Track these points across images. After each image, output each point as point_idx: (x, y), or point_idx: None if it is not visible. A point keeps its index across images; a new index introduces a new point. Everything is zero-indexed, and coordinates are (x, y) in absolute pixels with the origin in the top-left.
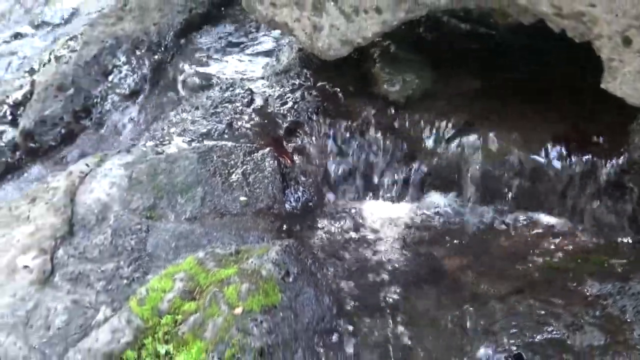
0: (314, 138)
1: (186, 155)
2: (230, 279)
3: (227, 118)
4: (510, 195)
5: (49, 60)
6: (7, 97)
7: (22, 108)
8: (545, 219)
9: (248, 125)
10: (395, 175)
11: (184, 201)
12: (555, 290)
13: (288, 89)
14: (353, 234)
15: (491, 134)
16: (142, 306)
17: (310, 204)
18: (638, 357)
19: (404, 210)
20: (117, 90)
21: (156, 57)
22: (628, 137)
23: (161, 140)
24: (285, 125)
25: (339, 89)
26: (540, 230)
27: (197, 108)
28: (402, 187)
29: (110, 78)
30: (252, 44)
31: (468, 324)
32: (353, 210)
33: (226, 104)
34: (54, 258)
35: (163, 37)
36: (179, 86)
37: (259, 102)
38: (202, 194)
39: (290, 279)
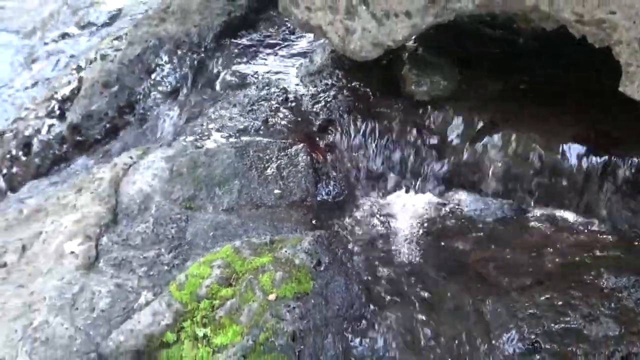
0: (345, 135)
1: (224, 149)
2: (265, 267)
3: (263, 115)
4: (530, 192)
5: (95, 59)
6: (56, 93)
7: (69, 103)
8: (564, 215)
9: (283, 123)
10: (422, 171)
11: (221, 193)
12: (573, 283)
13: (321, 89)
14: (381, 227)
15: (513, 134)
16: (182, 291)
17: (341, 197)
18: None
19: (430, 205)
20: (159, 88)
21: (196, 57)
22: None
23: (200, 135)
24: (317, 122)
25: (369, 89)
26: (558, 226)
27: (234, 105)
28: (428, 183)
29: (152, 76)
30: (286, 45)
31: (489, 313)
32: (381, 204)
33: (262, 102)
34: (99, 244)
35: (203, 39)
36: (218, 85)
37: (293, 100)
38: (239, 186)
39: (322, 268)
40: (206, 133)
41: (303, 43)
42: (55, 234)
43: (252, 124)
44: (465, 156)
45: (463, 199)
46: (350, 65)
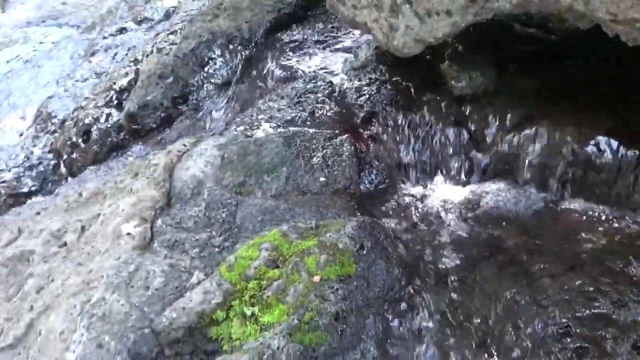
0: (387, 127)
1: (273, 139)
2: (311, 250)
3: (310, 107)
4: (563, 183)
5: (152, 52)
6: (114, 83)
7: (126, 93)
8: (596, 206)
9: (328, 114)
10: (460, 162)
11: (270, 180)
12: (603, 271)
13: (365, 83)
14: (420, 213)
15: (547, 128)
16: (231, 272)
17: (383, 185)
18: None
19: (467, 194)
20: (212, 80)
21: (247, 51)
22: None
23: (250, 125)
24: (361, 114)
25: (410, 84)
26: (590, 216)
27: (282, 98)
28: (466, 173)
29: (205, 69)
30: (333, 41)
31: (522, 298)
32: (421, 192)
33: (309, 95)
34: (154, 227)
35: (254, 34)
36: (267, 78)
37: (338, 93)
38: (286, 173)
39: (364, 252)
40: (256, 123)
41: (348, 39)
42: (112, 215)
43: (299, 115)
44: (501, 148)
45: (499, 188)
46: (392, 60)
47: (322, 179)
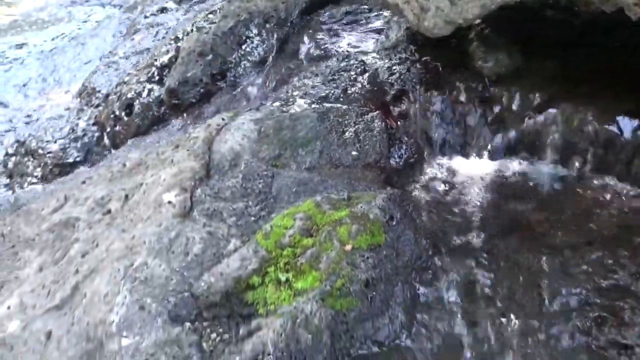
0: (416, 104)
1: (307, 114)
2: (343, 220)
3: (343, 85)
4: (584, 161)
5: (192, 30)
6: (156, 60)
7: (167, 70)
8: (615, 183)
9: (360, 92)
10: (485, 139)
11: (304, 153)
12: (622, 244)
13: (395, 62)
14: (447, 187)
15: (570, 108)
16: (267, 240)
17: (412, 160)
18: None
19: (492, 169)
20: (249, 58)
21: (283, 30)
22: None
23: (286, 101)
24: (392, 92)
25: (439, 64)
26: (609, 192)
27: (316, 75)
28: (491, 149)
29: (243, 47)
30: (365, 22)
31: (544, 269)
32: (448, 167)
33: (342, 73)
34: (193, 196)
35: (289, 14)
36: (302, 56)
37: (370, 72)
38: (320, 147)
39: (394, 223)
40: (291, 99)
41: (379, 20)
42: (154, 185)
43: (332, 92)
44: (525, 127)
45: (523, 166)
46: (422, 41)
47: (353, 153)
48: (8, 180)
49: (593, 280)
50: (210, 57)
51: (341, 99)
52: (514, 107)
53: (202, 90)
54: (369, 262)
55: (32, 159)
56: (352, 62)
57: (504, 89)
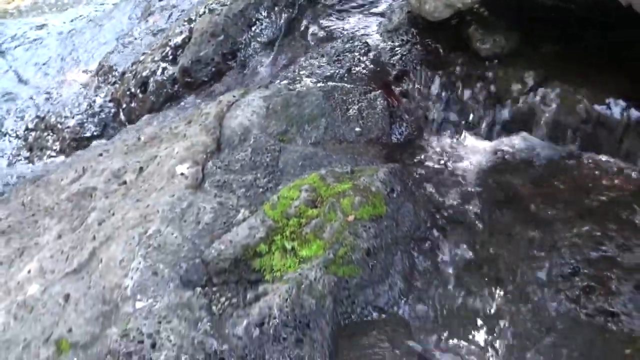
0: (417, 84)
1: (313, 92)
2: (346, 192)
3: (347, 65)
4: (576, 138)
5: (204, 12)
6: (170, 40)
7: (181, 50)
8: (605, 159)
9: (364, 71)
10: (482, 117)
11: (310, 129)
12: (610, 218)
13: (397, 44)
14: (445, 163)
15: (564, 88)
16: (274, 210)
17: (412, 137)
18: None
19: (488, 146)
20: (258, 39)
21: (290, 13)
22: None
23: (293, 79)
24: (394, 72)
25: (439, 46)
26: (600, 169)
27: (322, 56)
28: (488, 127)
29: (253, 28)
30: (369, 6)
31: (537, 241)
32: (446, 144)
33: (346, 54)
34: (205, 168)
35: None
36: (308, 38)
37: (373, 53)
38: (325, 124)
39: (394, 195)
40: (298, 78)
41: (383, 4)
42: (168, 158)
43: (337, 71)
44: (520, 106)
45: (517, 142)
46: (423, 24)
47: (357, 129)
48: (28, 154)
49: (582, 252)
50: (221, 37)
51: (345, 79)
52: (510, 87)
53: (213, 69)
54: (370, 232)
55: (51, 134)
56: (356, 43)
57: (501, 70)
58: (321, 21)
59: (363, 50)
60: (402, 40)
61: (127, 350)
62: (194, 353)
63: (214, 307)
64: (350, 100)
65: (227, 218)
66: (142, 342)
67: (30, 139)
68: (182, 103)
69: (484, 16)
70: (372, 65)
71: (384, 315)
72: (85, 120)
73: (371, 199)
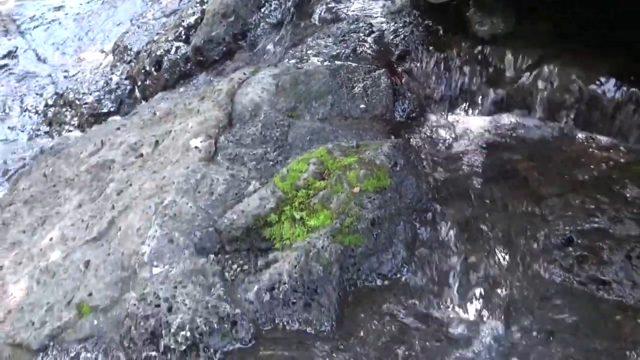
0: (419, 64)
1: (320, 70)
2: (352, 165)
3: (352, 45)
4: (570, 116)
5: None
6: (183, 21)
7: (193, 30)
8: (598, 137)
9: (368, 51)
10: (481, 95)
11: (317, 105)
12: (603, 191)
13: (400, 25)
14: (445, 139)
15: (558, 68)
16: (283, 182)
17: (414, 114)
18: None
19: (486, 123)
20: (267, 20)
21: None
22: None
23: (301, 59)
24: (397, 52)
25: (440, 27)
26: (593, 145)
27: (328, 36)
28: (485, 105)
29: (262, 10)
30: None
31: (532, 212)
32: (446, 121)
33: (352, 34)
34: (217, 142)
35: None
36: (315, 19)
37: (377, 34)
38: (331, 101)
39: (398, 168)
40: (305, 57)
41: None
42: (182, 132)
43: (343, 51)
44: (517, 85)
45: (514, 120)
46: (425, 6)
47: (362, 106)
48: (48, 128)
49: (576, 223)
50: (232, 18)
51: (351, 58)
52: (507, 67)
53: (224, 48)
54: (375, 203)
55: (69, 109)
56: (360, 24)
57: (499, 50)
58: (327, 3)
59: (367, 31)
60: (405, 21)
61: (144, 313)
62: (208, 316)
63: (226, 274)
64: (355, 78)
65: (238, 189)
66: (158, 305)
67: (50, 114)
68: (195, 81)
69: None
70: (376, 46)
71: (387, 282)
72: (102, 97)
73: (376, 172)
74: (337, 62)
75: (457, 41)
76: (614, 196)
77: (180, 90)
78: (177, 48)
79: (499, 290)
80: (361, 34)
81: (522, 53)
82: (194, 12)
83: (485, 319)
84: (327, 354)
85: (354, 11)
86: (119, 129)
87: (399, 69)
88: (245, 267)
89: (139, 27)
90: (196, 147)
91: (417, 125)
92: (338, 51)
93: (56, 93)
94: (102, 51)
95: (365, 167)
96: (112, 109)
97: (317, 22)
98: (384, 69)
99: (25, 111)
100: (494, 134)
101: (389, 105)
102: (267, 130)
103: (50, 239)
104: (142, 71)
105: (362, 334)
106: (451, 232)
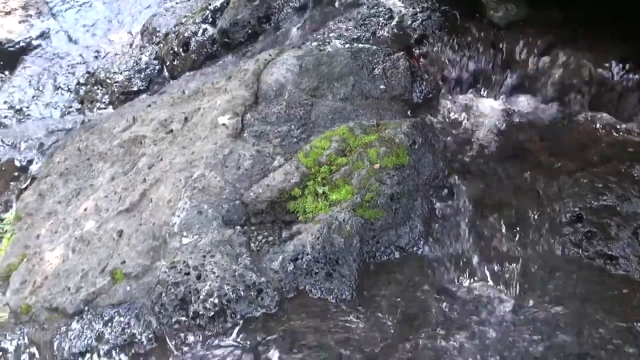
0: (436, 47)
1: (342, 53)
2: (372, 143)
3: (372, 28)
4: (581, 99)
5: None
6: (209, 4)
7: (219, 13)
8: (607, 119)
9: (387, 35)
10: (495, 78)
11: (339, 86)
12: (611, 171)
13: (418, 10)
14: (461, 119)
15: (570, 52)
16: (307, 158)
17: (431, 95)
18: None
19: (500, 105)
20: (291, 4)
21: None
22: None
23: (323, 41)
24: (415, 36)
25: (456, 13)
26: (601, 127)
27: (349, 20)
28: (499, 88)
29: None
30: None
31: (543, 190)
32: (462, 103)
33: (372, 18)
34: (244, 119)
35: None
36: (336, 4)
37: (396, 18)
38: (352, 81)
39: (416, 146)
40: (327, 40)
41: None
42: (210, 109)
43: (363, 34)
44: (529, 69)
45: (527, 102)
46: None
47: (381, 87)
48: (80, 105)
49: (585, 201)
50: (257, 2)
51: (371, 41)
52: (521, 51)
53: (249, 31)
54: (394, 179)
55: (100, 88)
56: (380, 9)
57: (513, 36)
58: None
59: (387, 16)
60: (423, 7)
61: (174, 280)
62: (235, 284)
63: (252, 244)
64: (375, 60)
65: (264, 164)
66: (188, 273)
67: (82, 92)
68: (221, 62)
69: None
70: (395, 29)
71: (405, 254)
72: (132, 76)
73: (395, 150)
74: (358, 45)
75: (473, 26)
76: (621, 175)
77: (207, 70)
78: (204, 30)
79: (511, 263)
80: (381, 19)
81: (535, 38)
82: None
83: (498, 289)
84: (347, 321)
85: None
86: (149, 106)
87: (417, 52)
88: (270, 238)
89: (166, 10)
90: (224, 124)
91: (433, 106)
92: (359, 34)
93: (87, 72)
94: (131, 33)
95: (385, 145)
96: (141, 88)
97: (338, 7)
98: (402, 52)
99: (58, 89)
100: (507, 115)
101: (407, 87)
102: (291, 109)
103: (85, 210)
104: (171, 52)
105: (380, 302)
106: (466, 208)
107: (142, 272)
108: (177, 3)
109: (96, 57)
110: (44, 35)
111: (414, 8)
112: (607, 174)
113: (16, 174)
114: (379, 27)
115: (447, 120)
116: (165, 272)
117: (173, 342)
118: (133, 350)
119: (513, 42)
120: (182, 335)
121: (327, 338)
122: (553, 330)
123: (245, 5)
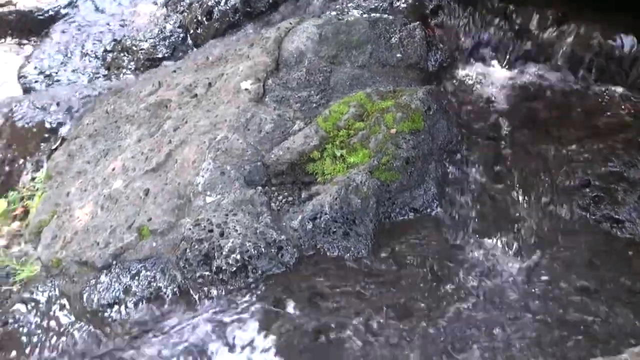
0: (451, 18)
1: (360, 22)
2: (389, 108)
3: None
4: (590, 69)
5: None
6: None
7: None
8: (615, 88)
9: (404, 5)
10: (507, 49)
11: (357, 54)
12: (618, 138)
13: None
14: (474, 88)
15: (579, 24)
16: (326, 122)
17: (445, 64)
18: None
19: (512, 75)
20: None
21: None
22: None
23: (342, 11)
24: (430, 7)
25: None
26: (610, 97)
27: None
28: (511, 58)
29: None
30: None
31: (553, 157)
32: (475, 71)
33: None
34: (265, 85)
35: None
36: None
37: None
38: (370, 50)
39: (431, 112)
40: (346, 10)
41: None
42: (233, 75)
43: (380, 5)
44: (540, 40)
45: (538, 72)
46: None
47: (398, 55)
48: (106, 72)
49: (593, 167)
50: None
51: (388, 11)
52: (532, 22)
53: (270, 0)
54: (409, 143)
55: (126, 54)
56: None
57: (524, 7)
58: None
59: None
60: None
61: (198, 237)
62: (257, 241)
63: (272, 204)
64: (392, 29)
65: (284, 128)
66: (211, 231)
67: (108, 59)
68: (242, 30)
69: None
70: (411, 0)
71: (419, 216)
72: (157, 44)
73: (411, 115)
74: (375, 15)
75: None
76: (628, 143)
77: (230, 39)
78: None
79: (521, 225)
80: None
81: (546, 10)
82: None
83: (508, 250)
84: (363, 277)
85: None
86: (174, 71)
87: (432, 22)
88: (290, 198)
89: None
90: (246, 89)
91: (448, 74)
92: (376, 4)
93: (114, 40)
94: (156, 3)
95: (402, 111)
96: (166, 55)
97: None
98: (418, 22)
99: (85, 56)
100: (519, 84)
101: (422, 55)
102: (311, 75)
103: (113, 169)
104: (194, 20)
105: (395, 260)
106: (478, 172)
107: (168, 229)
108: None
109: (122, 25)
110: (71, 4)
111: None
112: (615, 141)
113: (47, 135)
114: None
115: (461, 87)
116: (190, 229)
117: (197, 295)
118: (158, 302)
119: (525, 13)
120: (205, 289)
121: (344, 293)
122: (560, 288)
123: None
